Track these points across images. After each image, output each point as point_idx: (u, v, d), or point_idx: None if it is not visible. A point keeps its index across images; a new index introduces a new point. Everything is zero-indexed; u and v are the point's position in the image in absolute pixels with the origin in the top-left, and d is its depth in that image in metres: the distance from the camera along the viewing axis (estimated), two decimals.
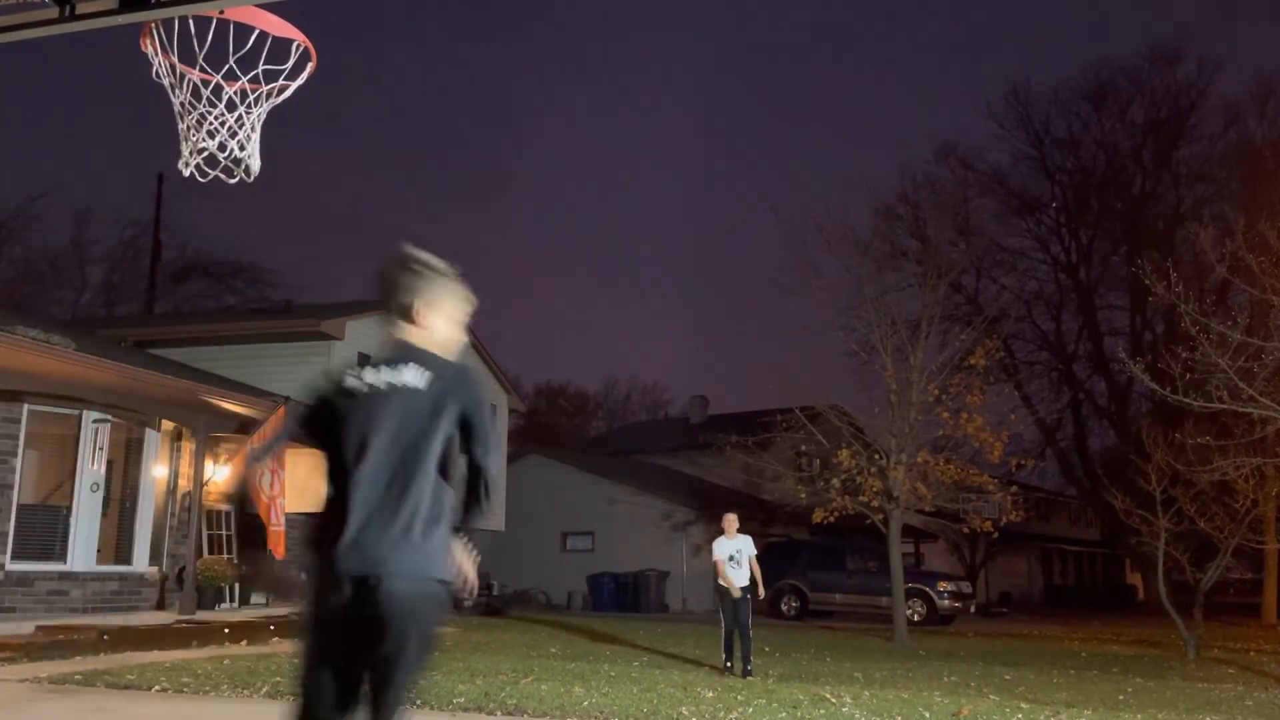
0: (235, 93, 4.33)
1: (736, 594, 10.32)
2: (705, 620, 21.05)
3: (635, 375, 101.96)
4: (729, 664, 10.30)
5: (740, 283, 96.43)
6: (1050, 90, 45.33)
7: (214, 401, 12.28)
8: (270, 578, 7.07)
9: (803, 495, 18.87)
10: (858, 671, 10.80)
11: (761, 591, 10.78)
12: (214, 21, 3.94)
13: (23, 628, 9.89)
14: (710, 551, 10.78)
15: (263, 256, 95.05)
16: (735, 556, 10.57)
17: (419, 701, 7.03)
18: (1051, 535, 44.19)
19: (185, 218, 70.20)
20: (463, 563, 2.79)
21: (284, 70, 4.26)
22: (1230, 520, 15.20)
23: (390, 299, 2.90)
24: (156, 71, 4.21)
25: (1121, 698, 9.29)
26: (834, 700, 7.70)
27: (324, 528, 2.72)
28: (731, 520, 10.83)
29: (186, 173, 4.35)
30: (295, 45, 4.19)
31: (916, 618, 21.39)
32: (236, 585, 13.69)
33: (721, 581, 10.46)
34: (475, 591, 2.90)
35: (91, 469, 12.05)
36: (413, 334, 2.89)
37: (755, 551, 10.70)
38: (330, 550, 2.66)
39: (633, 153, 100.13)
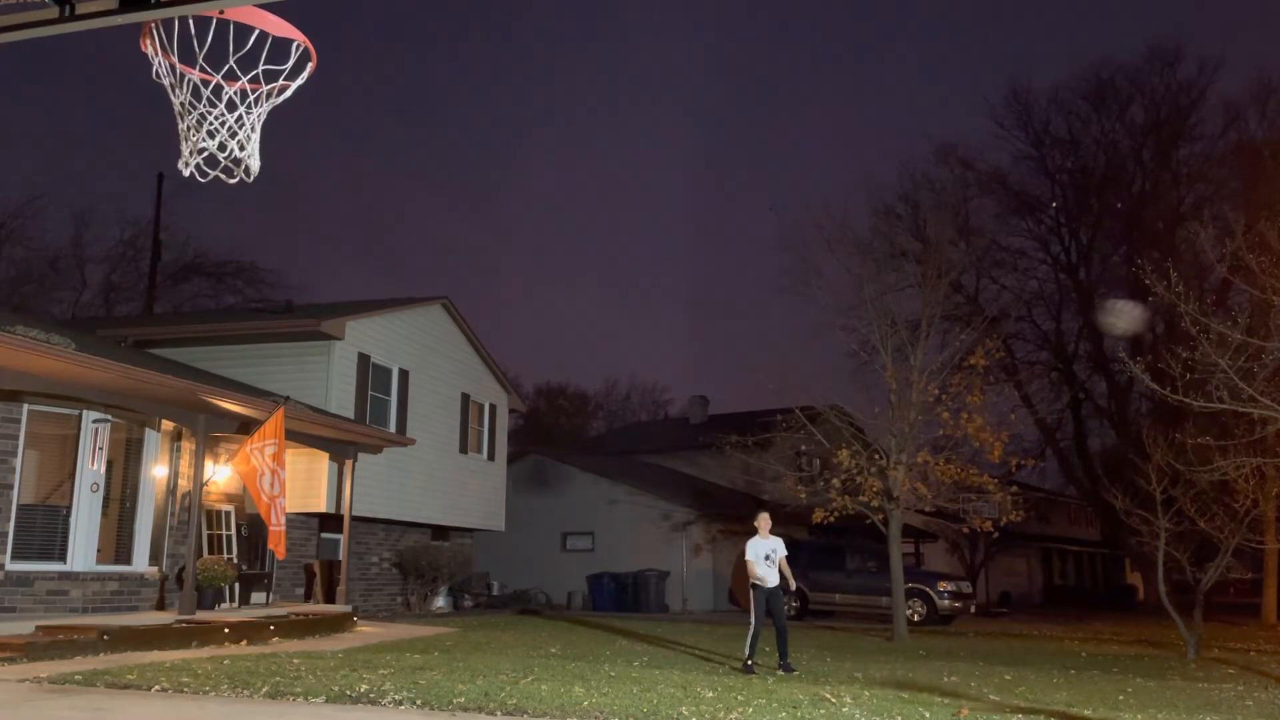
0: (235, 93, 4.32)
1: (769, 585, 10.43)
2: (705, 620, 21.07)
3: (635, 375, 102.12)
4: (752, 662, 10.29)
5: (740, 282, 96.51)
6: (1050, 90, 45.26)
7: (214, 401, 12.27)
8: None
9: (803, 495, 18.86)
10: (858, 671, 10.80)
11: (792, 584, 10.95)
12: (214, 22, 3.94)
13: (23, 628, 9.89)
14: (732, 551, 10.91)
15: (263, 256, 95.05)
16: (770, 556, 10.61)
17: (419, 701, 7.03)
18: (1051, 535, 44.19)
19: (185, 218, 70.20)
20: None
21: (284, 70, 4.25)
22: (1230, 520, 15.20)
23: None
24: (156, 72, 4.21)
25: (1121, 698, 9.29)
26: (834, 700, 7.70)
27: None
28: (766, 520, 10.85)
29: (186, 173, 4.34)
30: (295, 45, 4.19)
31: (916, 618, 21.41)
32: (236, 585, 13.69)
33: (753, 580, 10.49)
34: None
35: (91, 469, 12.05)
36: None
37: (785, 552, 10.77)
38: None
39: (633, 152, 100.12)
